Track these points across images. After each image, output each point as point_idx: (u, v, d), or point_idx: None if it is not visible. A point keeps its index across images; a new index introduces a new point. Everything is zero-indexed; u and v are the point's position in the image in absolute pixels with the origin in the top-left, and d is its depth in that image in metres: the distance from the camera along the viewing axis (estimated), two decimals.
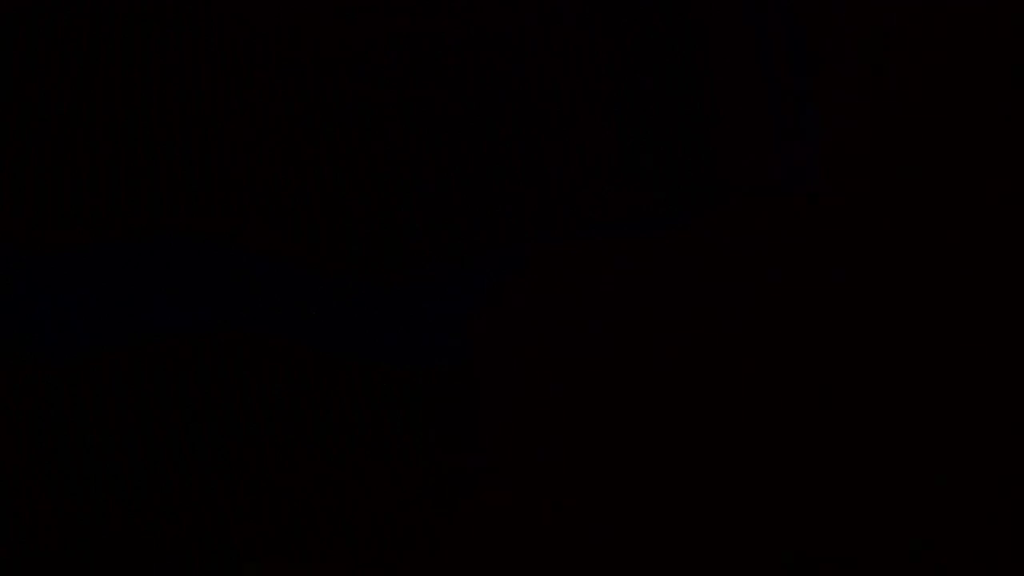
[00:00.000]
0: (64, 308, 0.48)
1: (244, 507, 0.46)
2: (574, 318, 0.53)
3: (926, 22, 0.53)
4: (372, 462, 0.48)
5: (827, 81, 0.53)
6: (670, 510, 0.52)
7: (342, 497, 0.47)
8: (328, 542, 0.46)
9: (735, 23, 0.54)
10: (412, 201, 0.55)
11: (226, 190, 0.50)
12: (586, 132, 0.54)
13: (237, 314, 0.48)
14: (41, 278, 0.48)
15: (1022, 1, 0.52)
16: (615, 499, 0.52)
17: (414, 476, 0.49)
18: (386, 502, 0.48)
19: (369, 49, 0.54)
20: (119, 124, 0.50)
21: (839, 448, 0.51)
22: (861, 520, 0.50)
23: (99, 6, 0.50)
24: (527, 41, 0.55)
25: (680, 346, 0.52)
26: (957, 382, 0.51)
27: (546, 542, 0.52)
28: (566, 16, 0.55)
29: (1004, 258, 0.51)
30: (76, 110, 0.50)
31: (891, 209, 0.52)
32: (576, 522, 0.52)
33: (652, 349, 0.52)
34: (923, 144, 0.52)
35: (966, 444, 0.50)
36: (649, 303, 0.53)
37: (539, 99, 0.55)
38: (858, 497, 0.50)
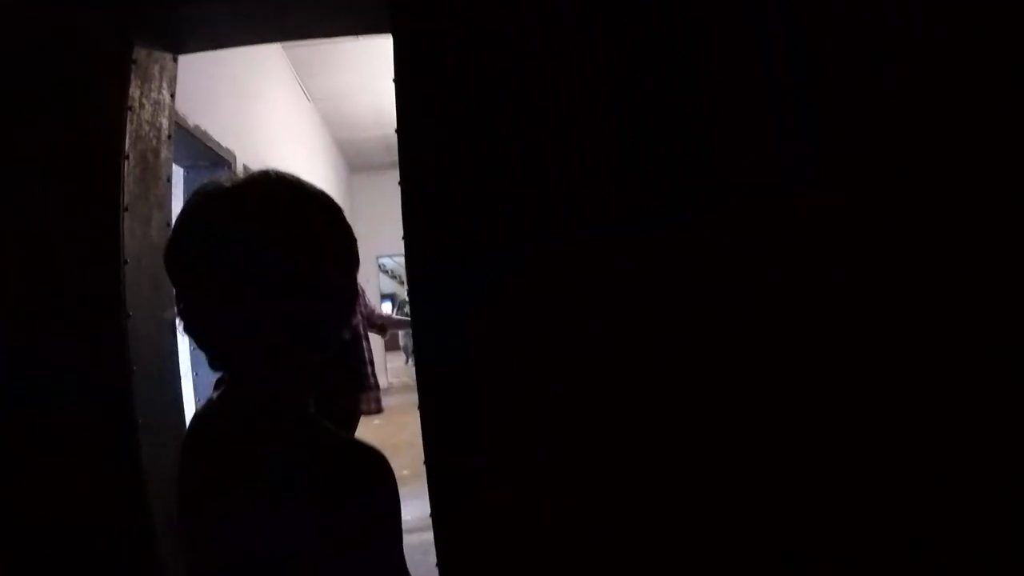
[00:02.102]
0: None
1: None
2: (574, 318, 0.53)
3: (926, 22, 0.53)
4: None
5: (827, 81, 0.53)
6: (670, 510, 0.52)
7: None
8: None
9: (735, 23, 0.54)
10: (412, 201, 0.55)
11: None
12: (586, 132, 0.54)
13: None
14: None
15: (1022, 1, 0.52)
16: (615, 499, 0.52)
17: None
18: None
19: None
20: None
21: (839, 448, 0.51)
22: (861, 520, 0.50)
23: None
24: (527, 41, 0.55)
25: (680, 346, 0.52)
26: (957, 382, 0.50)
27: (546, 542, 0.52)
28: (566, 16, 0.55)
29: (1004, 258, 0.51)
30: None
31: (891, 209, 0.52)
32: (576, 522, 0.52)
33: (652, 349, 0.52)
34: (923, 144, 0.52)
35: (966, 444, 0.50)
36: (649, 303, 0.53)
37: (539, 99, 0.55)
38: (858, 497, 0.50)
